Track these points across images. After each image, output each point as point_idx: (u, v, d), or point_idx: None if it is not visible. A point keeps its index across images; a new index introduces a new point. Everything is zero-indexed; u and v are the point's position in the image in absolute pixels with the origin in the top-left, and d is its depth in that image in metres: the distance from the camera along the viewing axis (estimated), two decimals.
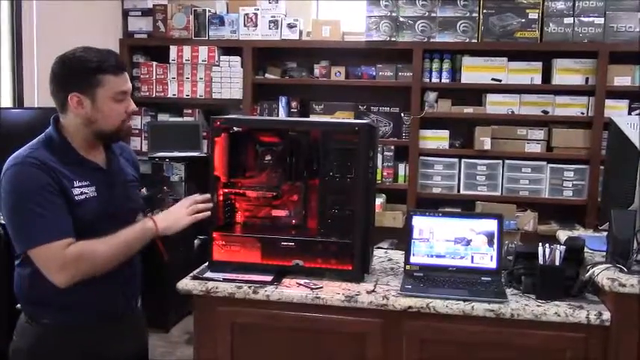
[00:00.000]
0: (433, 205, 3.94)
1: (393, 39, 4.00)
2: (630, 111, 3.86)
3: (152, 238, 1.71)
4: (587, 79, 3.94)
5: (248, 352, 1.88)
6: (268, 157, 2.04)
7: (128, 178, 1.81)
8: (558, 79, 3.95)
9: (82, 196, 1.64)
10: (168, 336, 3.76)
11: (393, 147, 4.12)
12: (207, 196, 1.86)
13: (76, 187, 1.64)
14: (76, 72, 1.63)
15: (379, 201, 3.97)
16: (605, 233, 2.03)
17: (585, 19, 3.87)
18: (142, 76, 4.38)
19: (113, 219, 1.68)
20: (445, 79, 4.03)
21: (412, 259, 2.02)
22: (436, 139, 4.10)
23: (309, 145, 2.00)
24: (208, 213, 1.81)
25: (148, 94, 4.37)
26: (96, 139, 1.71)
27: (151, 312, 1.94)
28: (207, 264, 2.02)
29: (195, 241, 3.75)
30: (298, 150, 2.03)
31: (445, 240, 2.00)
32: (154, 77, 4.37)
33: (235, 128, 2.05)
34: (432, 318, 1.80)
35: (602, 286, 1.74)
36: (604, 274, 1.75)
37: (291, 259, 1.96)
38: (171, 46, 4.29)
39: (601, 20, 3.83)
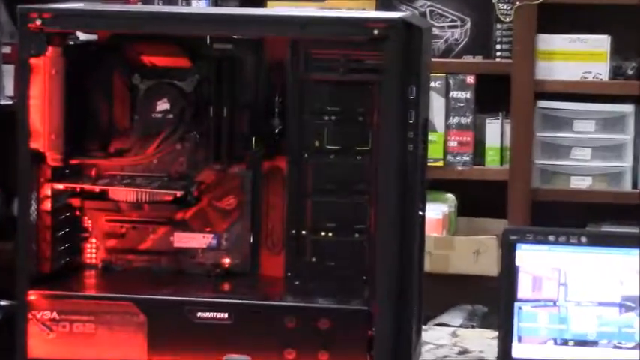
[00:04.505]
0: (573, 217, 3.64)
1: None
2: None
3: None
4: None
5: None
6: (164, 106, 1.87)
7: None
8: None
9: None
10: None
11: (472, 79, 3.76)
12: None
13: None
14: None
15: (439, 210, 3.70)
16: None
17: None
18: None
19: None
20: None
21: (517, 350, 1.89)
22: (579, 56, 3.69)
23: (261, 75, 1.88)
24: None
25: None
26: None
27: None
28: None
29: None
30: (235, 89, 1.88)
31: (597, 303, 1.87)
32: None
33: (81, 35, 1.89)
34: None
35: None
36: None
37: (223, 351, 1.77)
38: None
39: None
